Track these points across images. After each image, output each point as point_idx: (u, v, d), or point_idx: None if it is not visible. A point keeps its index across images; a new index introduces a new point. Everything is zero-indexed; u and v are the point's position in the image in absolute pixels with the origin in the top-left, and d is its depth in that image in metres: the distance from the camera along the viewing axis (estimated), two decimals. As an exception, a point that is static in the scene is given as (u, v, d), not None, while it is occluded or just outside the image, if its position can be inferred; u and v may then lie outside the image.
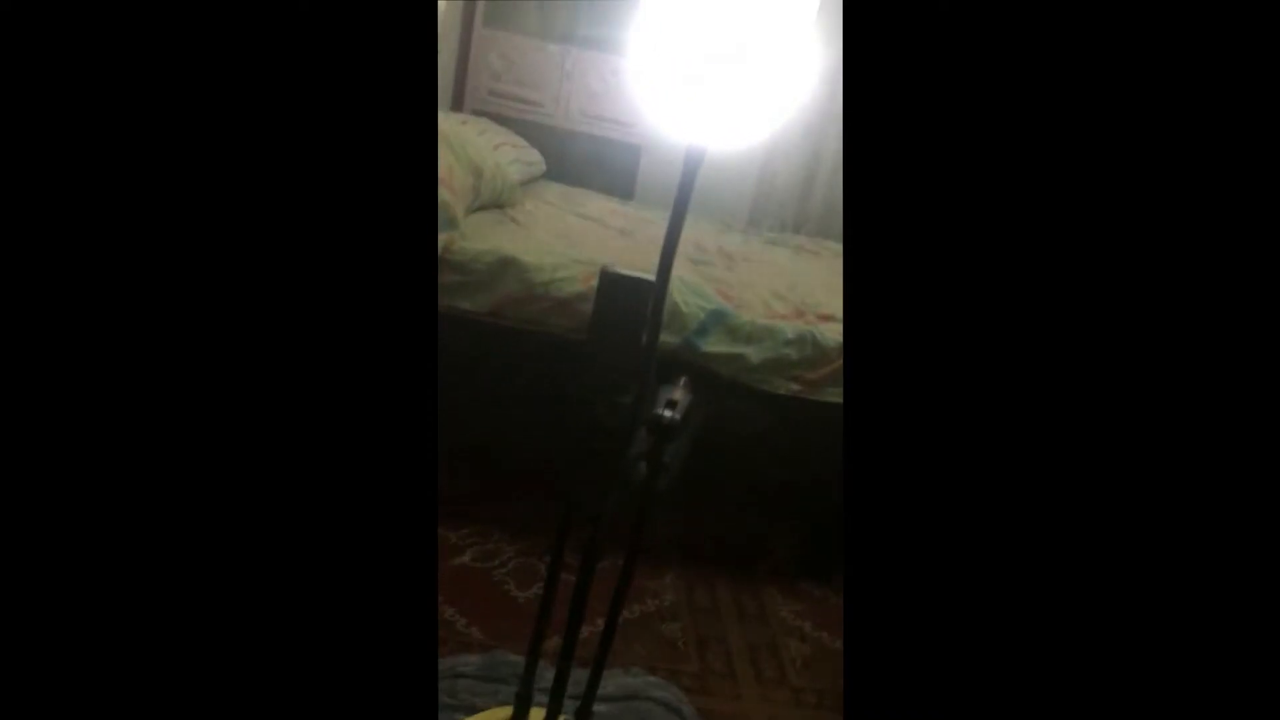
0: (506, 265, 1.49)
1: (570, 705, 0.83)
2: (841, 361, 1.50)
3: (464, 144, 1.77)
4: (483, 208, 1.82)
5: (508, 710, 0.81)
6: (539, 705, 0.81)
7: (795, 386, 1.51)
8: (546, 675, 0.87)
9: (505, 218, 1.86)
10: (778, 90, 0.57)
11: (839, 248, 2.41)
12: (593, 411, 0.60)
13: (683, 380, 0.62)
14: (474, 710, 0.86)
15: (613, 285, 0.56)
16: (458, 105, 2.71)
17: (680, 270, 1.64)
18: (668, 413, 0.56)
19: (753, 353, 1.49)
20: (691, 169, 0.59)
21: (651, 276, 0.57)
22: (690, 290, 1.53)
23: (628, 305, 0.55)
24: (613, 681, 0.96)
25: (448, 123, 1.95)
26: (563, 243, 1.69)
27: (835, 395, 1.51)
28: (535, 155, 2.32)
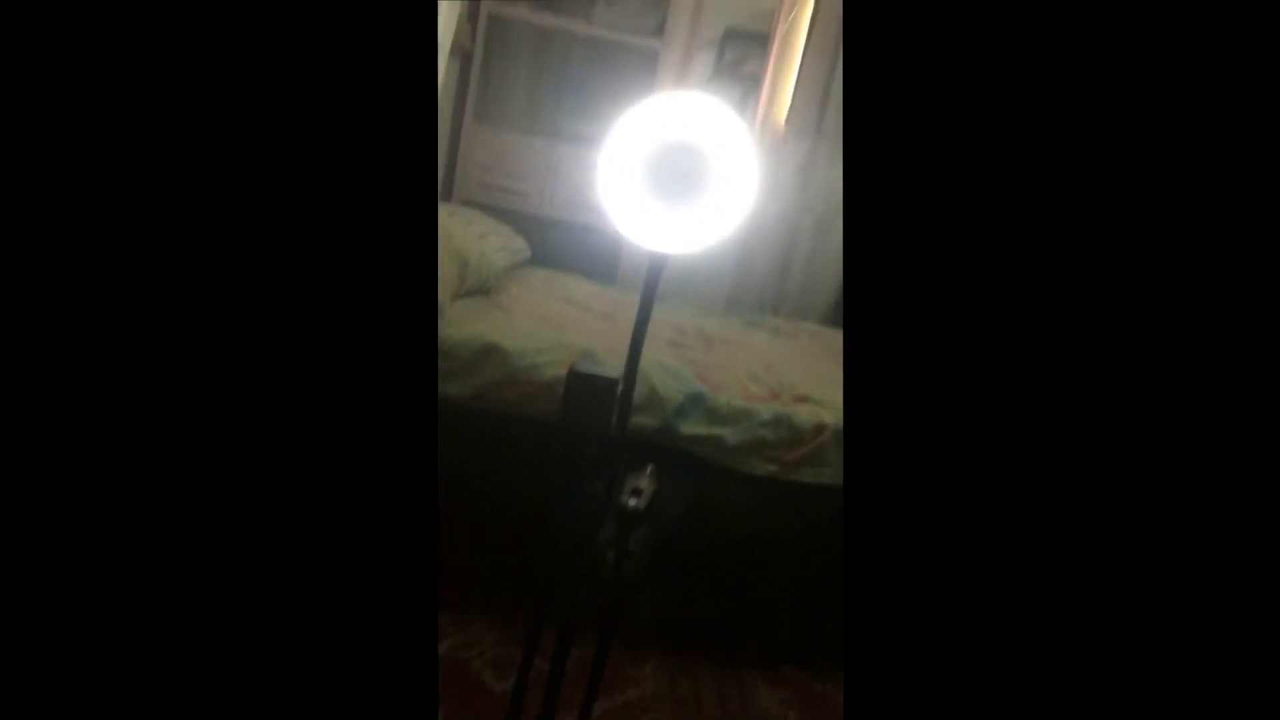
0: (489, 351, 1.53)
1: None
2: (816, 443, 1.54)
3: (450, 234, 1.84)
4: (469, 294, 1.87)
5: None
6: (513, 802, 0.79)
7: (772, 467, 1.53)
8: (521, 769, 0.85)
9: (490, 304, 1.91)
10: (733, 205, 0.62)
11: (815, 329, 2.48)
12: (564, 501, 0.62)
13: (649, 469, 0.65)
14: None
15: (580, 383, 0.60)
16: (447, 196, 2.82)
17: (659, 353, 1.69)
18: (632, 501, 0.59)
19: (730, 434, 1.52)
20: (654, 276, 0.64)
21: (618, 375, 0.61)
22: (668, 374, 1.58)
23: (595, 400, 0.58)
24: (589, 775, 0.94)
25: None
26: (546, 327, 1.74)
27: (811, 476, 1.54)
28: (521, 243, 2.40)
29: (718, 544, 1.56)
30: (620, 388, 0.60)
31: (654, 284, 0.64)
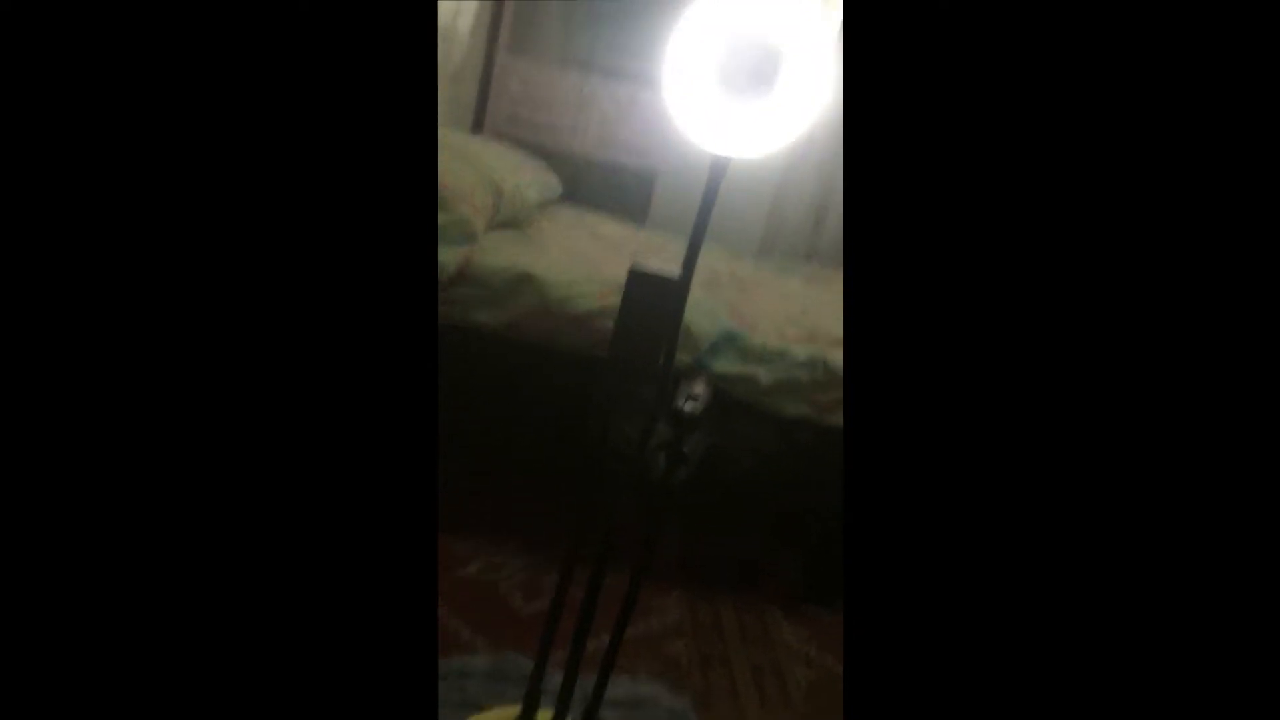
0: (524, 280, 1.51)
1: (578, 709, 0.83)
2: (851, 385, 1.52)
3: (485, 163, 1.81)
4: (501, 226, 1.85)
5: (514, 709, 0.81)
6: (546, 709, 0.81)
7: (805, 409, 1.52)
8: (554, 679, 0.87)
9: (522, 236, 1.89)
10: (801, 102, 0.59)
11: (849, 278, 2.43)
12: (611, 416, 0.61)
13: (703, 376, 0.63)
14: (482, 708, 0.86)
15: (640, 282, 0.58)
16: (478, 128, 2.77)
17: (694, 293, 1.67)
18: (688, 405, 0.58)
19: (764, 374, 1.51)
20: (716, 179, 0.62)
21: (676, 274, 0.59)
22: (703, 311, 1.56)
23: (653, 301, 0.57)
24: (621, 687, 0.96)
25: (470, 143, 2.00)
26: (578, 262, 1.72)
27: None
28: (553, 178, 2.36)
29: (746, 484, 1.56)
30: (679, 289, 0.58)
31: (716, 185, 0.62)
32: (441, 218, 1.52)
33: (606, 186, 2.78)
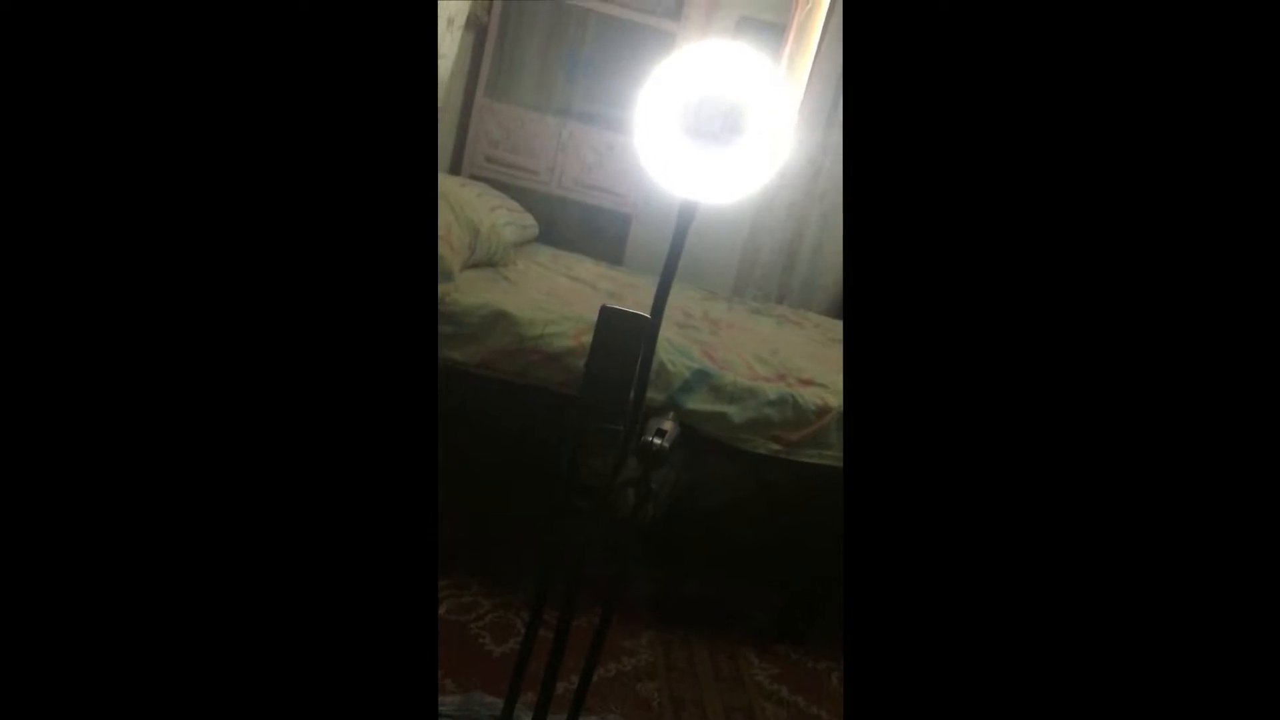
0: (499, 318, 1.53)
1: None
2: (820, 424, 1.54)
3: (462, 204, 1.84)
4: (477, 265, 1.87)
5: (483, 752, 0.80)
6: (515, 749, 0.80)
7: (775, 446, 1.54)
8: (524, 718, 0.86)
9: (498, 275, 1.91)
10: (764, 154, 0.63)
11: (820, 319, 2.49)
12: (580, 452, 0.62)
13: (671, 414, 0.65)
14: (449, 751, 0.85)
15: (611, 320, 0.60)
16: (456, 169, 2.82)
17: (667, 333, 1.69)
18: (657, 440, 0.59)
19: (735, 412, 1.53)
20: (685, 222, 0.65)
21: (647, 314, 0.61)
22: (676, 350, 1.58)
23: (624, 339, 0.59)
24: (589, 729, 0.95)
25: (448, 183, 2.03)
26: (553, 301, 1.74)
27: (813, 456, 1.55)
28: (529, 219, 2.40)
29: (717, 523, 1.57)
30: (649, 327, 0.61)
31: (685, 229, 0.64)
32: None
33: (583, 227, 2.83)
